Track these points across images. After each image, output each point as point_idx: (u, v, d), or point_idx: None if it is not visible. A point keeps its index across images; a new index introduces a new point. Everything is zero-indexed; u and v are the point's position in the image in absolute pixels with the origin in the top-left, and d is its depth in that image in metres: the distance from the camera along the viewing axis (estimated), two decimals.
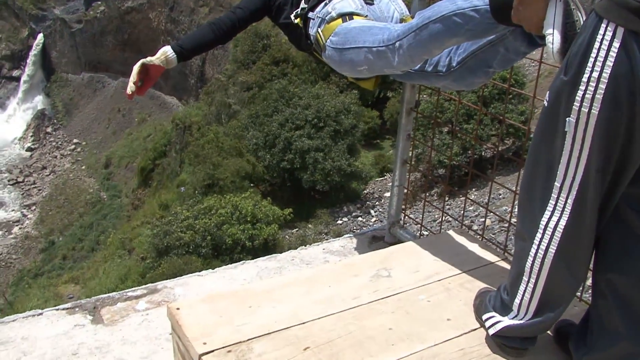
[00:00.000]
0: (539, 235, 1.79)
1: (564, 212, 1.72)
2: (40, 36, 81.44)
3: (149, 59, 2.70)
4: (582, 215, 1.70)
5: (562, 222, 1.73)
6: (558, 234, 1.75)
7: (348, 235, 3.28)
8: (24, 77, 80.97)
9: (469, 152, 19.61)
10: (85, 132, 72.60)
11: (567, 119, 1.60)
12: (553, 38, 1.77)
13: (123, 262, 23.48)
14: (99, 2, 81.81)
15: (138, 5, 71.99)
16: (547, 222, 1.76)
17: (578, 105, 1.56)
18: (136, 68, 2.63)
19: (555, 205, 1.73)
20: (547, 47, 1.80)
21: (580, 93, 1.55)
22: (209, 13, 62.23)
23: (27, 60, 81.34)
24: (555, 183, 1.71)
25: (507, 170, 18.35)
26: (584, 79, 1.53)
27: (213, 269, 2.95)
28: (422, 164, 20.10)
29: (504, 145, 20.91)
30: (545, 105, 1.70)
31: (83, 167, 66.10)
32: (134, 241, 24.26)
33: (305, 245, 3.28)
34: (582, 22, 1.75)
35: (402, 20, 2.64)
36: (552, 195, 1.73)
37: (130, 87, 2.64)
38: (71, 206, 58.45)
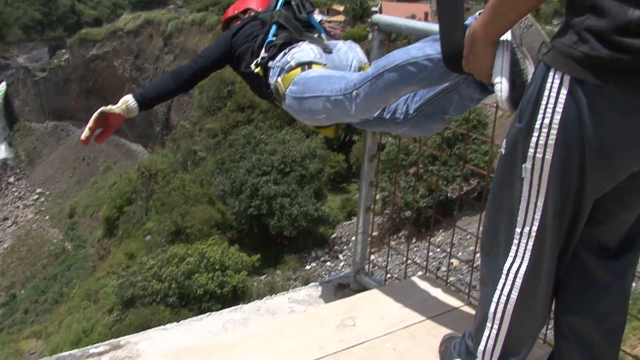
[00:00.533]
0: (501, 281, 1.80)
1: (524, 258, 1.74)
2: (2, 84, 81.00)
3: (109, 107, 2.70)
4: (542, 260, 1.73)
5: (523, 268, 1.74)
6: (519, 280, 1.76)
7: (313, 283, 3.27)
8: None
9: (434, 193, 19.79)
10: (49, 181, 71.70)
11: (523, 165, 1.64)
12: (501, 86, 1.82)
13: (88, 314, 23.00)
14: (63, 51, 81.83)
15: (103, 53, 72.03)
16: (509, 268, 1.77)
17: (532, 151, 1.60)
18: (95, 115, 2.64)
19: (517, 250, 1.75)
20: (496, 95, 1.85)
21: (534, 139, 1.59)
22: (174, 60, 62.47)
23: None
24: (516, 229, 1.73)
25: (473, 211, 18.52)
26: (537, 126, 1.57)
27: (179, 320, 2.90)
28: (389, 207, 20.21)
29: (469, 186, 21.15)
30: (503, 152, 1.74)
31: (47, 217, 65.06)
32: (100, 292, 23.82)
33: (271, 295, 3.25)
34: (529, 70, 1.83)
35: (360, 69, 2.68)
36: (514, 241, 1.75)
37: (85, 133, 2.62)
38: (34, 258, 57.31)
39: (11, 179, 74.65)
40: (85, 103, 71.55)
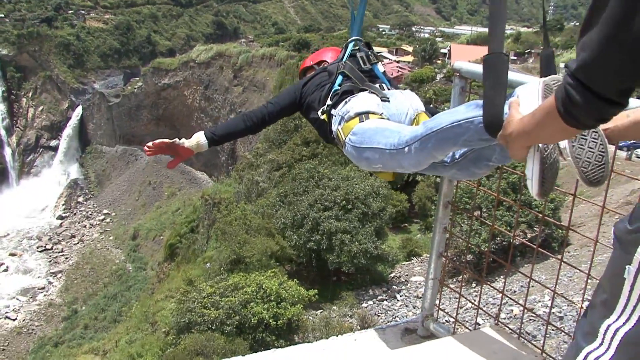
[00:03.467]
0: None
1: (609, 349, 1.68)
2: (79, 108, 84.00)
3: (182, 140, 2.98)
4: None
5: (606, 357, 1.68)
6: None
7: (380, 326, 3.24)
8: (60, 148, 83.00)
9: (498, 238, 19.43)
10: (115, 203, 73.56)
11: (627, 266, 1.60)
12: (532, 184, 1.96)
13: (144, 335, 23.28)
14: (137, 78, 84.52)
15: (174, 83, 73.93)
16: (591, 351, 1.71)
17: (638, 257, 1.57)
18: (166, 140, 2.92)
19: (602, 341, 1.69)
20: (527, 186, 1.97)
21: None
22: (243, 92, 63.63)
23: (65, 131, 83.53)
24: (606, 320, 1.69)
25: (537, 258, 18.10)
26: None
27: (236, 349, 2.91)
28: (450, 249, 19.92)
29: (532, 232, 20.69)
30: (613, 240, 1.72)
31: (111, 238, 66.64)
32: (157, 315, 24.10)
33: (332, 333, 3.23)
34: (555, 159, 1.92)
35: (415, 117, 2.84)
36: (601, 329, 1.70)
37: (149, 144, 2.90)
38: (96, 276, 58.73)
39: (80, 199, 76.98)
40: (155, 129, 73.49)
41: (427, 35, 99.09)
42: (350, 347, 2.91)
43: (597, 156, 1.85)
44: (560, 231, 19.00)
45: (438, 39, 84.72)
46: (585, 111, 1.41)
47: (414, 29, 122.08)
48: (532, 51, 63.61)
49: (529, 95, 1.97)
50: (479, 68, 2.79)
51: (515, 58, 64.38)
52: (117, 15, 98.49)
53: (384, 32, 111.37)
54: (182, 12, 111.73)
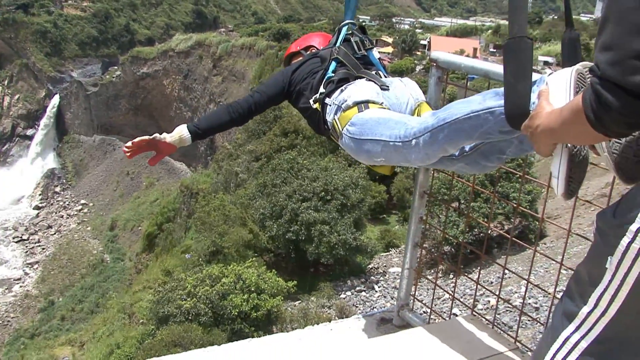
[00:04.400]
0: (555, 345, 1.74)
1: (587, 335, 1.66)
2: (56, 97, 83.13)
3: (163, 135, 2.80)
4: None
5: (583, 343, 1.67)
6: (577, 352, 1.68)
7: (356, 316, 3.25)
8: (37, 137, 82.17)
9: (475, 230, 19.57)
10: (93, 193, 73.04)
11: (609, 257, 1.56)
12: (557, 183, 1.81)
13: (122, 326, 23.18)
14: (115, 67, 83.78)
15: (153, 72, 73.41)
16: (568, 337, 1.70)
17: (622, 250, 1.52)
18: (145, 137, 2.74)
19: (579, 326, 1.68)
20: (552, 186, 1.84)
21: (625, 240, 1.51)
22: (222, 82, 63.34)
23: (42, 120, 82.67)
24: (584, 308, 1.66)
25: (513, 250, 18.27)
26: (632, 228, 1.50)
27: (214, 340, 2.90)
28: (428, 240, 20.02)
29: (510, 224, 20.87)
30: (593, 230, 1.68)
31: (88, 228, 66.18)
32: (135, 306, 24.01)
33: (309, 323, 3.24)
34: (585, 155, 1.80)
35: (416, 106, 2.69)
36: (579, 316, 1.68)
37: (128, 144, 2.74)
38: (74, 266, 58.30)
39: (57, 189, 76.32)
40: (133, 119, 73.03)
41: (407, 27, 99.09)
42: (326, 337, 2.91)
43: (637, 151, 1.67)
44: (537, 223, 19.18)
45: (418, 31, 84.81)
46: (619, 113, 1.31)
47: (394, 20, 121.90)
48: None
49: (559, 85, 1.83)
50: (455, 58, 2.78)
51: (495, 50, 64.68)
52: (96, 3, 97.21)
53: (364, 23, 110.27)
54: (161, 1, 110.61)
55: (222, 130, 3.04)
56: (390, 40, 71.40)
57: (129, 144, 2.73)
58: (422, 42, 67.66)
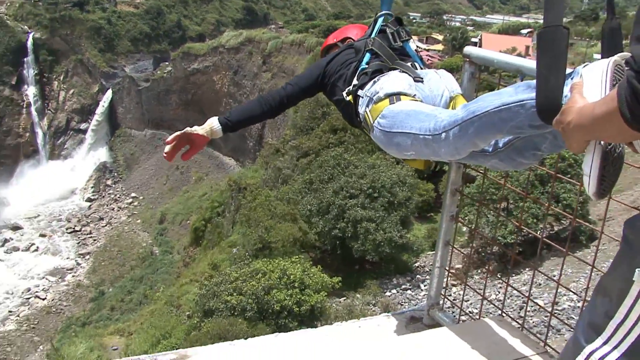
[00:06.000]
0: (579, 358, 1.66)
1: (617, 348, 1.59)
2: (109, 92, 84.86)
3: (194, 128, 2.80)
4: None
5: (612, 356, 1.59)
6: None
7: (385, 314, 3.23)
8: (90, 131, 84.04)
9: (524, 230, 19.25)
10: (143, 186, 74.28)
11: (637, 269, 1.48)
12: (589, 181, 1.72)
13: (169, 318, 23.53)
14: (167, 63, 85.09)
15: (203, 68, 74.18)
16: (594, 350, 1.62)
17: None
18: (177, 133, 2.74)
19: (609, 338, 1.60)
20: (583, 183, 1.76)
21: None
22: (272, 78, 63.67)
23: (95, 115, 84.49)
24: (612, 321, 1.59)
25: (564, 251, 17.90)
26: None
27: (258, 334, 2.92)
28: (475, 240, 19.75)
29: (560, 225, 20.46)
30: (622, 239, 1.60)
31: (138, 221, 67.35)
32: (182, 298, 24.35)
33: (347, 319, 3.23)
34: (621, 153, 1.70)
35: (451, 99, 2.62)
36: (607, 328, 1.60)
37: (166, 149, 2.74)
38: (123, 258, 59.48)
39: (109, 182, 77.95)
40: (183, 114, 73.94)
41: (458, 24, 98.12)
42: (353, 333, 2.90)
43: None
44: (589, 224, 18.72)
45: (469, 28, 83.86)
46: None
47: (445, 17, 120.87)
48: None
49: (595, 77, 1.72)
50: (489, 54, 2.72)
51: None
52: (148, 0, 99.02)
53: (414, 20, 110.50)
54: None
55: (254, 122, 3.02)
56: (440, 37, 70.78)
57: (167, 147, 2.74)
58: (473, 39, 66.80)
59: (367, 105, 2.63)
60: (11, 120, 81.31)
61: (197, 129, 2.79)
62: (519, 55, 42.85)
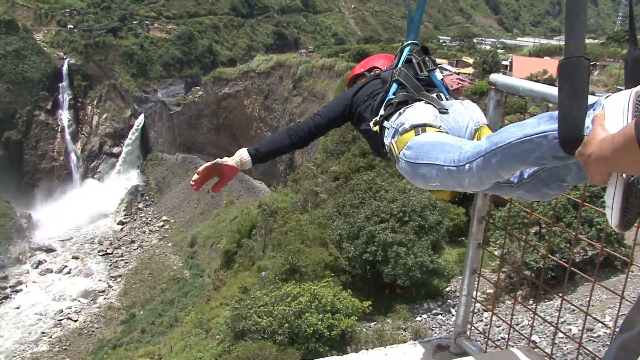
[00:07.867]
0: None
1: None
2: (141, 117, 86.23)
3: (224, 159, 2.86)
4: None
5: None
6: None
7: (412, 342, 3.22)
8: (122, 154, 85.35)
9: (557, 255, 18.99)
10: (175, 210, 74.90)
11: None
12: (612, 214, 1.71)
13: (198, 341, 23.57)
14: (198, 87, 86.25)
15: (234, 92, 74.89)
16: None
17: None
18: (208, 164, 2.81)
19: None
20: (607, 216, 1.74)
21: None
22: (302, 102, 63.98)
23: (127, 139, 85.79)
24: None
25: (598, 276, 17.62)
26: None
27: (288, 359, 2.94)
28: (508, 264, 19.51)
29: (593, 250, 20.17)
30: None
31: (169, 244, 67.87)
32: (212, 321, 24.38)
33: (378, 344, 3.23)
34: None
35: (476, 130, 2.63)
36: None
37: (194, 177, 2.80)
38: (154, 281, 59.89)
39: (140, 205, 78.80)
40: (215, 138, 74.63)
41: (488, 47, 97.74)
42: None
43: None
44: (623, 249, 18.41)
45: (499, 51, 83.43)
46: None
47: (475, 40, 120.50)
48: (598, 63, 61.97)
49: (616, 109, 1.71)
50: (514, 81, 2.72)
51: None
52: (180, 26, 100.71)
53: (444, 44, 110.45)
54: (243, 23, 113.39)
55: (283, 153, 3.06)
56: (471, 61, 70.59)
57: (195, 176, 2.79)
58: (504, 62, 66.52)
59: (393, 137, 2.66)
60: (46, 144, 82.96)
61: (227, 160, 2.85)
62: (550, 77, 42.54)
